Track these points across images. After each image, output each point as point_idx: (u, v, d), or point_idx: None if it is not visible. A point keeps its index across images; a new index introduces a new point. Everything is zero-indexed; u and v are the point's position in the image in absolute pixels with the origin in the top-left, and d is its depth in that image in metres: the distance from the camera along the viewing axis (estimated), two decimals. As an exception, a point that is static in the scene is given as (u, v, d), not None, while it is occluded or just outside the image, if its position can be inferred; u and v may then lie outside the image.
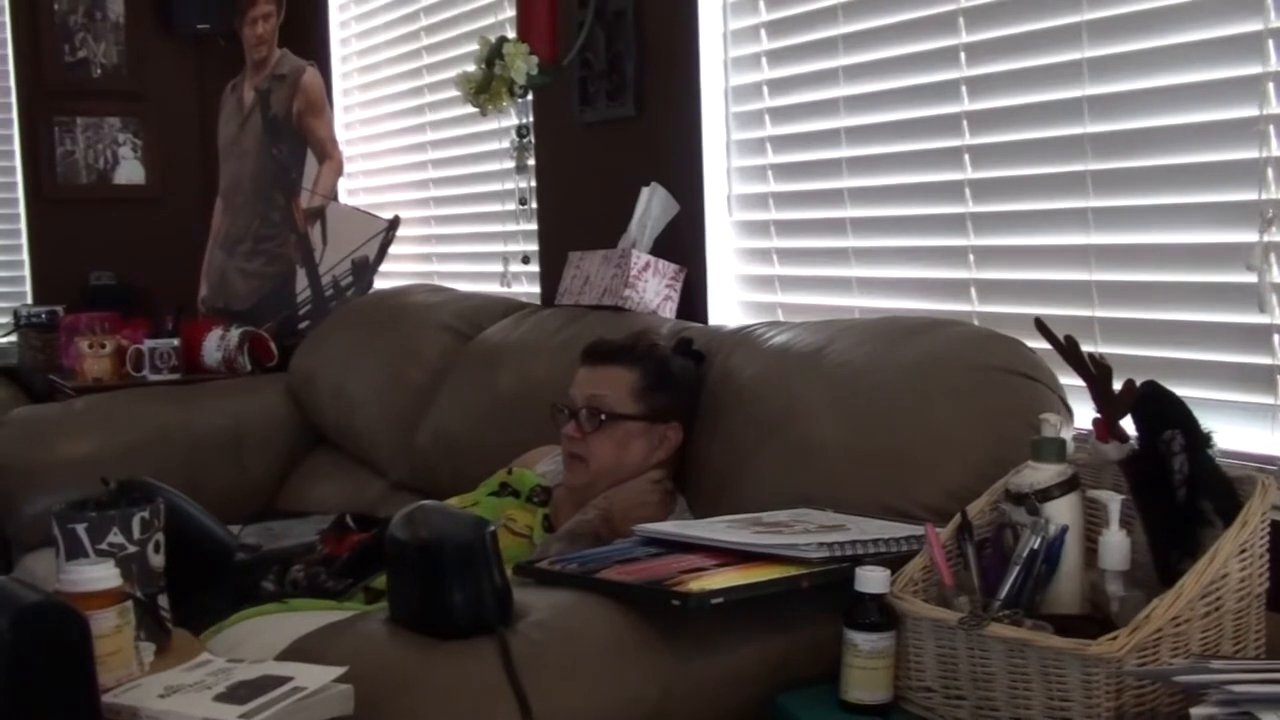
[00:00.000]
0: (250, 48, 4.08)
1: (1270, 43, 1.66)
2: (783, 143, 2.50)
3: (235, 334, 3.66)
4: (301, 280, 3.88)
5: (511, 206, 3.13)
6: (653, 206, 2.60)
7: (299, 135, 3.97)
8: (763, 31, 2.52)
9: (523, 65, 2.64)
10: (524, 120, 2.93)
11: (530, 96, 2.89)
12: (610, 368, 2.10)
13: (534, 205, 3.10)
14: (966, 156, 2.10)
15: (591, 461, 2.06)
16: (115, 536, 1.49)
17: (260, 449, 3.11)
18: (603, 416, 2.06)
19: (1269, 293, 1.66)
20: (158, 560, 1.54)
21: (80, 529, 1.48)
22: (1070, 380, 1.66)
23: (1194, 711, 1.15)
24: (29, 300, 4.36)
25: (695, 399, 2.11)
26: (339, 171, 4.04)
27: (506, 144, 3.12)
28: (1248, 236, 1.68)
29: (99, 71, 4.46)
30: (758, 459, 1.91)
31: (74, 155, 4.45)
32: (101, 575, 1.34)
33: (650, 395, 2.07)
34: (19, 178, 4.43)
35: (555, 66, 2.74)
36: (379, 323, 3.11)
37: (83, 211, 4.43)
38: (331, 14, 4.30)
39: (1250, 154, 1.68)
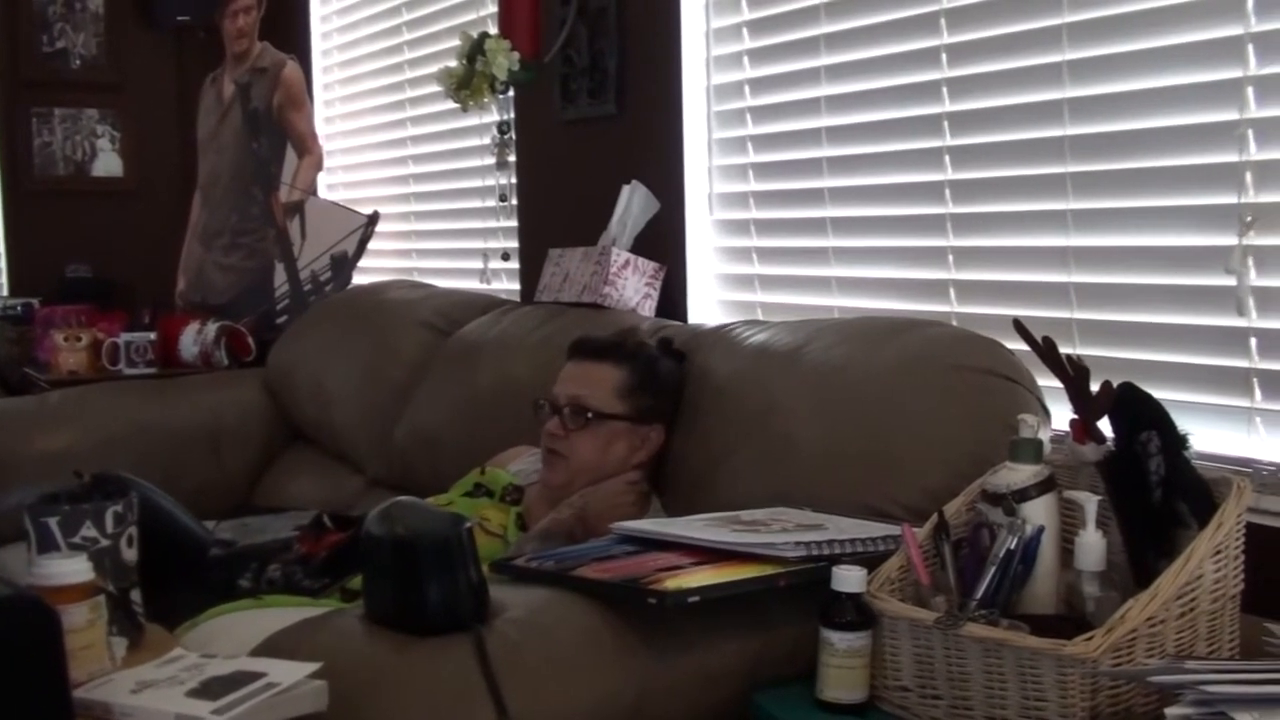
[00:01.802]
0: (231, 40, 4.06)
1: (1250, 47, 1.67)
2: (764, 142, 2.50)
3: (212, 328, 3.64)
4: (280, 275, 3.86)
5: (492, 203, 3.12)
6: (633, 204, 2.60)
7: (279, 129, 3.95)
8: (745, 30, 2.52)
9: (504, 61, 2.64)
10: (505, 116, 2.93)
11: (511, 93, 2.89)
12: (597, 365, 2.07)
13: (514, 202, 3.10)
14: (947, 157, 2.11)
15: (572, 459, 2.03)
16: (88, 530, 1.47)
17: (237, 444, 3.09)
18: (588, 415, 2.03)
19: (1248, 296, 1.66)
20: (131, 555, 1.52)
21: (52, 522, 1.46)
22: (1048, 381, 1.66)
23: (1169, 712, 1.16)
24: (4, 292, 4.33)
25: (679, 401, 2.09)
26: (318, 166, 4.03)
27: (487, 140, 3.10)
28: (1225, 240, 1.69)
29: (78, 62, 4.43)
30: (735, 457, 1.91)
31: (51, 147, 4.42)
32: (73, 569, 1.33)
33: (636, 395, 2.04)
34: (-5, 169, 4.40)
35: (537, 63, 2.74)
36: (357, 318, 3.10)
37: (60, 203, 4.40)
38: (313, 8, 4.29)
39: (1228, 158, 1.69)
